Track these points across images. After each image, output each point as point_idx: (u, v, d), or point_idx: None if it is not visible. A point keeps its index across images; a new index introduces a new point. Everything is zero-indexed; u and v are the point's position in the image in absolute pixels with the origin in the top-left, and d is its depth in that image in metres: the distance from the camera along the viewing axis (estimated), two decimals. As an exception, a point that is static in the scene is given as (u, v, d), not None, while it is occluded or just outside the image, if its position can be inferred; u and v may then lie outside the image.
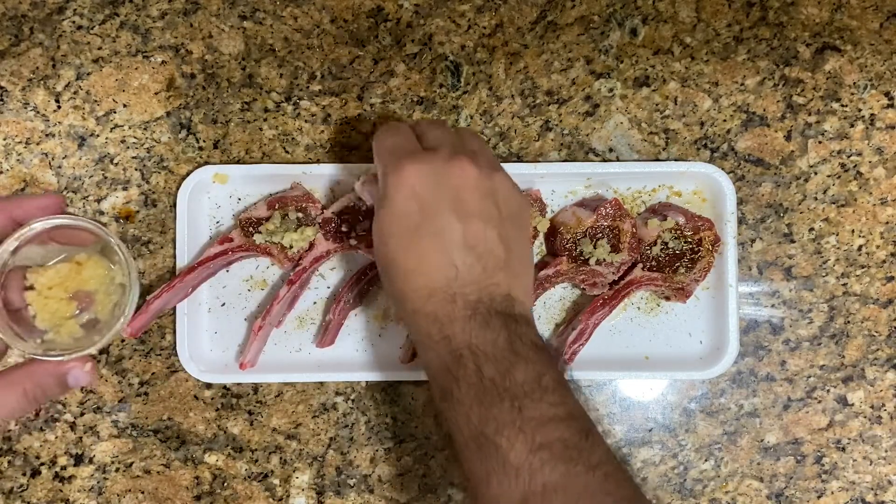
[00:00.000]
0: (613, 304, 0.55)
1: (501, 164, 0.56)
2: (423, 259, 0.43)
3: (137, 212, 0.57)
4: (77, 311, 0.47)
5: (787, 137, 0.58)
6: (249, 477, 0.57)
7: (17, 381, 0.44)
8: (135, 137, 0.57)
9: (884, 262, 0.58)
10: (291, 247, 0.54)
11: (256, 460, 0.57)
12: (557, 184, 0.57)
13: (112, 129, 0.57)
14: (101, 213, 0.57)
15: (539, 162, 0.57)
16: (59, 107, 0.57)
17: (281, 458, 0.57)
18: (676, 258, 0.55)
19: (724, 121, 0.58)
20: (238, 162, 0.57)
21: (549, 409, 0.40)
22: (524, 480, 0.39)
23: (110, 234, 0.47)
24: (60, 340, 0.46)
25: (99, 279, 0.47)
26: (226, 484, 0.57)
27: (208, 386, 0.57)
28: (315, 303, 0.57)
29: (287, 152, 0.57)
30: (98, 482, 0.57)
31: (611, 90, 0.58)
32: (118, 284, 0.48)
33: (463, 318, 0.42)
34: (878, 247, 0.58)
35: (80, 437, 0.57)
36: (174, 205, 0.56)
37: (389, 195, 0.44)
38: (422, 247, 0.43)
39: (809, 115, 0.58)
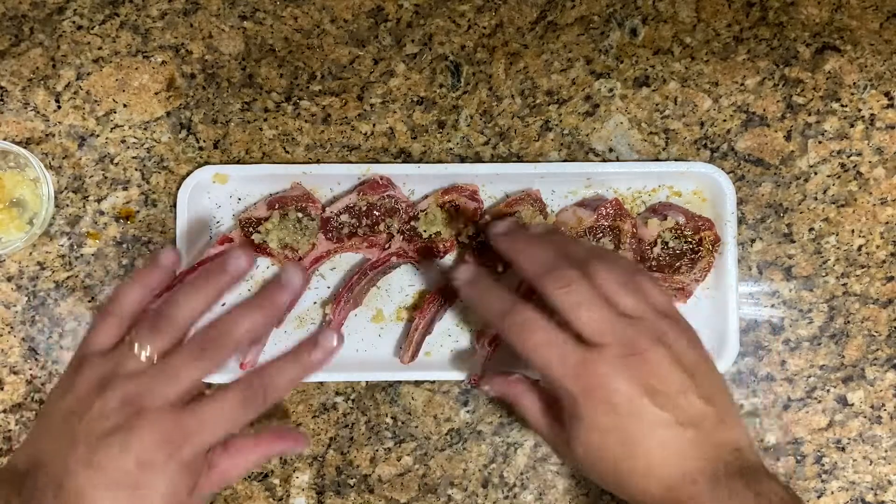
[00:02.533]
0: None
1: (502, 163, 0.57)
2: (649, 461, 0.42)
3: (137, 212, 0.57)
4: (20, 214, 0.55)
5: (787, 137, 0.58)
6: (249, 477, 0.57)
7: (249, 458, 0.44)
8: (135, 137, 0.57)
9: (884, 262, 0.58)
10: (292, 247, 0.54)
11: (256, 460, 0.57)
12: (557, 184, 0.57)
13: (112, 129, 0.57)
14: (102, 213, 0.57)
15: (539, 162, 0.57)
16: (59, 107, 0.57)
17: (281, 458, 0.57)
18: (677, 258, 0.55)
19: (724, 121, 0.58)
20: (238, 162, 0.57)
21: None
22: None
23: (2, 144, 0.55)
24: (13, 238, 0.55)
25: (20, 184, 0.55)
26: (226, 484, 0.57)
27: (208, 386, 0.57)
28: (315, 303, 0.57)
29: (287, 152, 0.57)
30: (98, 482, 0.57)
31: (611, 90, 0.58)
32: (32, 180, 0.55)
33: (708, 494, 0.41)
34: (878, 247, 0.58)
35: (80, 437, 0.57)
36: (174, 205, 0.56)
37: (586, 415, 0.42)
38: (643, 450, 0.42)
39: (809, 115, 0.58)
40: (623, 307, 0.44)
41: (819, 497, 0.58)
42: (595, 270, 0.44)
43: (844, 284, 0.58)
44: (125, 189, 0.57)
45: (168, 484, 0.38)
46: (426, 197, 0.57)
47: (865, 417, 0.58)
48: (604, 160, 0.58)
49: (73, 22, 0.57)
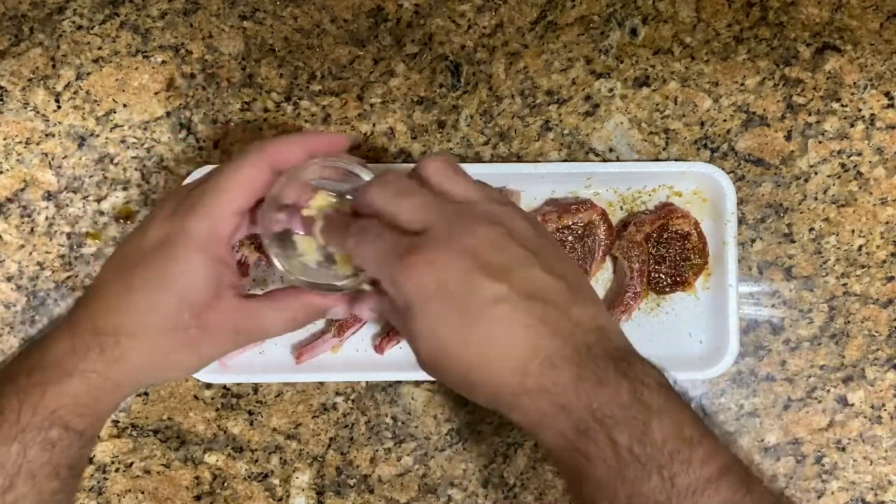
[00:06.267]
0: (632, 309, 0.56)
1: (502, 163, 0.57)
2: (493, 342, 0.36)
3: (137, 212, 0.57)
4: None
5: (787, 137, 0.58)
6: (249, 477, 0.57)
7: (291, 307, 0.42)
8: (135, 137, 0.57)
9: (884, 262, 0.58)
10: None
11: (256, 460, 0.57)
12: (557, 184, 0.57)
13: (112, 129, 0.57)
14: (102, 213, 0.57)
15: (539, 162, 0.57)
16: (59, 107, 0.57)
17: (281, 458, 0.57)
18: (672, 254, 0.55)
19: (724, 121, 0.58)
20: (238, 162, 0.57)
21: (701, 469, 0.34)
22: None
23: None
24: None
25: None
26: (226, 484, 0.57)
27: (208, 386, 0.57)
28: (315, 303, 0.57)
29: (287, 152, 0.57)
30: (98, 482, 0.57)
31: (611, 90, 0.58)
32: None
33: (572, 379, 0.35)
34: (878, 247, 0.58)
35: (80, 437, 0.57)
36: (174, 205, 0.56)
37: (418, 306, 0.36)
38: (484, 330, 0.36)
39: (809, 115, 0.58)
40: (452, 195, 0.39)
41: (819, 497, 0.58)
42: (421, 167, 0.40)
43: (844, 284, 0.58)
44: (125, 189, 0.57)
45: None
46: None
47: (865, 417, 0.58)
48: (604, 160, 0.58)
49: (73, 22, 0.57)
